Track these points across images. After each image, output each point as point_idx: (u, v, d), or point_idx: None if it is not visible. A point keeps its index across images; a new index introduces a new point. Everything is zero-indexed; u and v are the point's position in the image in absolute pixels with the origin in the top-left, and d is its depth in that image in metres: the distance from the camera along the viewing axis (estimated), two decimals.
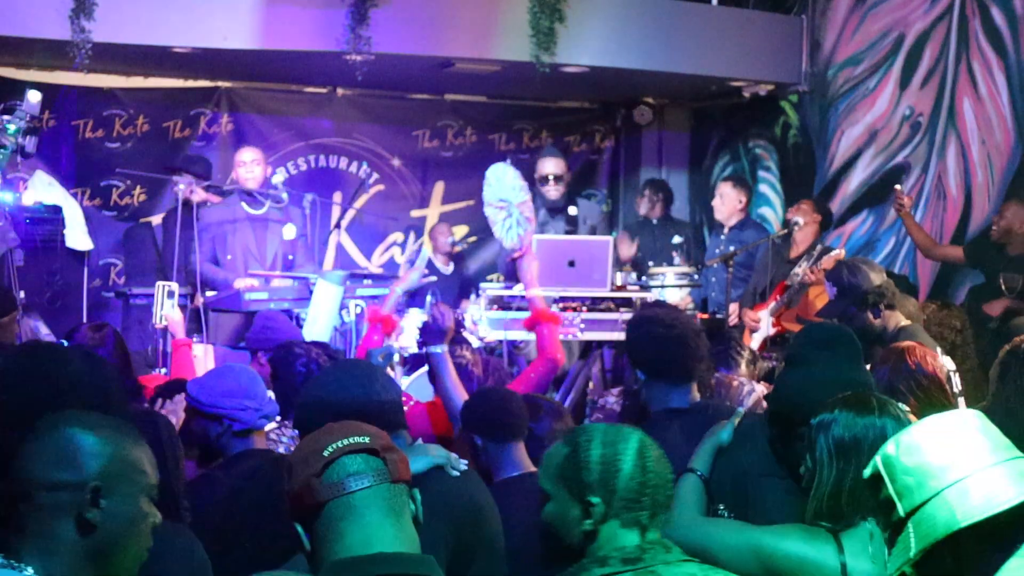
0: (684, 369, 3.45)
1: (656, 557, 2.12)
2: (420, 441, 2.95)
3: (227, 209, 6.91)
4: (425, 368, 5.05)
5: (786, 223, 7.30)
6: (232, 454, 3.26)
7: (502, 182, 5.42)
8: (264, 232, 6.87)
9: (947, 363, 4.41)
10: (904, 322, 4.70)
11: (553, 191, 7.19)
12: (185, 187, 6.59)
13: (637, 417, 3.57)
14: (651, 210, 8.71)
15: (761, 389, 4.06)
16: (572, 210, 7.28)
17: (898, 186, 7.03)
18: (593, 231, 7.42)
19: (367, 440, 1.97)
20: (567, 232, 7.09)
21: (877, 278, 4.71)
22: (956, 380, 4.35)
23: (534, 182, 7.28)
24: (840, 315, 4.66)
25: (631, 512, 2.16)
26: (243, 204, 6.89)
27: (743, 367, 4.55)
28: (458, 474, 2.84)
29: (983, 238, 7.02)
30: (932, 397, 3.50)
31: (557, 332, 4.73)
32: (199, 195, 7.03)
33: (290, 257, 6.99)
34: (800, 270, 6.75)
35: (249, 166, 6.90)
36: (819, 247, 6.93)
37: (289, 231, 6.96)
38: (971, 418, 1.94)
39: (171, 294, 5.56)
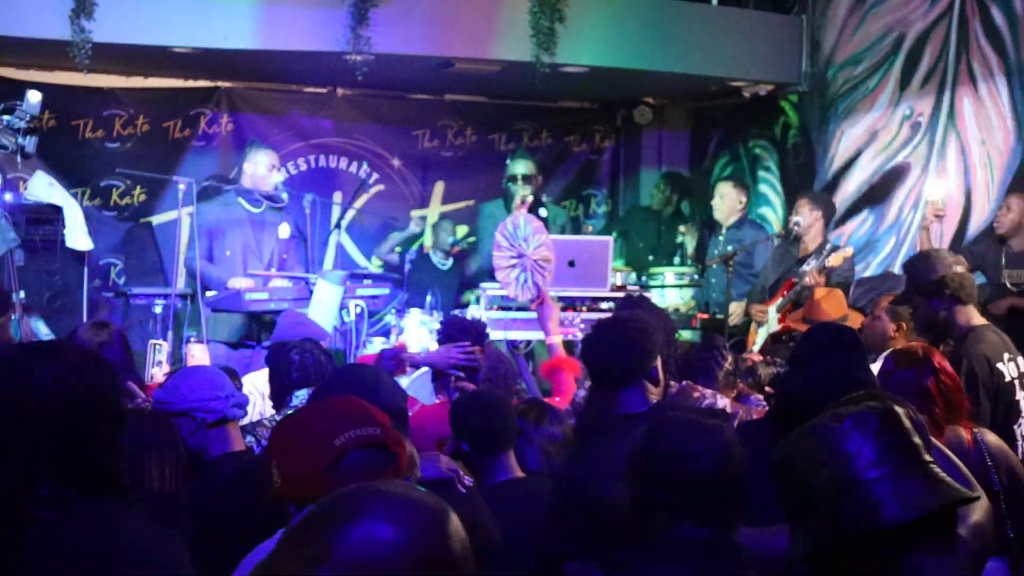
0: (622, 372, 3.32)
1: None
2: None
3: (225, 207, 6.91)
4: (425, 368, 5.04)
5: (787, 225, 7.30)
6: (210, 457, 3.21)
7: (516, 235, 5.36)
8: (262, 231, 6.88)
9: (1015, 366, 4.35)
10: (978, 320, 4.52)
11: (522, 189, 7.22)
12: (185, 187, 6.58)
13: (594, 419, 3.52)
14: (665, 205, 8.74)
15: (725, 403, 3.98)
16: (542, 212, 7.30)
17: (938, 201, 6.70)
18: (563, 231, 7.44)
19: (379, 432, 1.95)
20: None
21: (946, 269, 4.56)
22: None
23: (509, 180, 7.35)
24: (908, 303, 4.58)
25: None
26: (241, 201, 6.89)
27: (720, 377, 4.44)
28: (464, 491, 2.82)
29: (983, 237, 6.98)
30: (953, 399, 3.44)
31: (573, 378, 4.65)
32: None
33: (284, 256, 7.00)
34: (808, 268, 6.73)
35: (273, 170, 6.92)
36: (828, 246, 6.93)
37: (284, 230, 6.97)
38: None
39: (160, 350, 5.57)
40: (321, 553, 1.19)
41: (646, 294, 6.85)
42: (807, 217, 7.13)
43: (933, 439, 3.11)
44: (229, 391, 3.27)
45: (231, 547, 2.92)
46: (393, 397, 2.80)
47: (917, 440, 1.81)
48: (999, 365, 4.36)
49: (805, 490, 1.77)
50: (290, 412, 3.88)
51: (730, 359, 4.49)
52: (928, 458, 1.79)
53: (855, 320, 5.65)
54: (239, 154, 8.15)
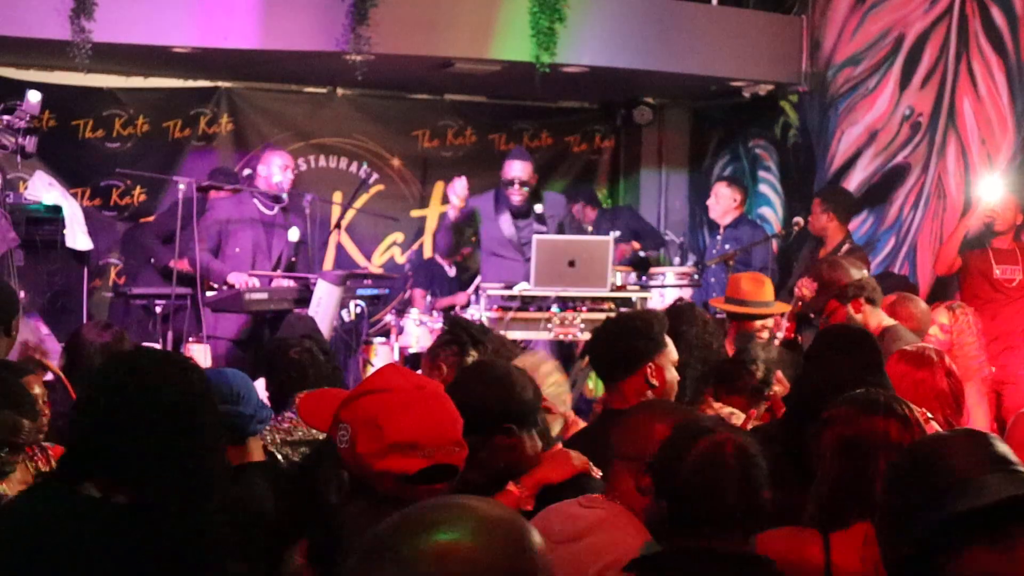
0: (608, 367, 3.45)
1: None
2: (560, 446, 2.92)
3: (239, 206, 6.95)
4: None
5: (787, 224, 7.32)
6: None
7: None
8: (272, 233, 6.91)
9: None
10: (888, 322, 4.65)
11: (517, 196, 7.17)
12: (185, 187, 6.59)
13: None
14: (585, 218, 8.63)
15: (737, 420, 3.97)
16: (539, 207, 7.26)
17: (992, 203, 6.73)
18: (561, 226, 7.39)
19: (457, 451, 2.01)
20: (538, 232, 7.08)
21: (857, 272, 4.68)
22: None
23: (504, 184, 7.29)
24: (821, 310, 4.65)
25: None
26: (256, 203, 6.93)
27: (748, 391, 4.41)
28: (600, 476, 2.82)
29: (963, 236, 7.03)
30: (961, 400, 3.46)
31: None
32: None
33: (292, 259, 7.05)
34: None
35: (287, 172, 7.01)
36: (846, 246, 6.93)
37: (294, 233, 7.01)
38: None
39: None
40: (402, 567, 1.21)
41: (646, 294, 6.85)
42: (820, 219, 7.13)
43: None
44: (256, 405, 3.20)
45: (253, 560, 2.91)
46: (527, 390, 2.80)
47: (1009, 452, 1.84)
48: None
49: (917, 491, 1.79)
50: (292, 412, 3.85)
51: (761, 370, 4.31)
52: (1020, 465, 1.81)
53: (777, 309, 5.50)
54: (239, 154, 8.16)
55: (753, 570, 2.15)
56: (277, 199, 6.97)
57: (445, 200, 9.23)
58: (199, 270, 6.47)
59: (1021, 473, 1.76)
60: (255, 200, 6.97)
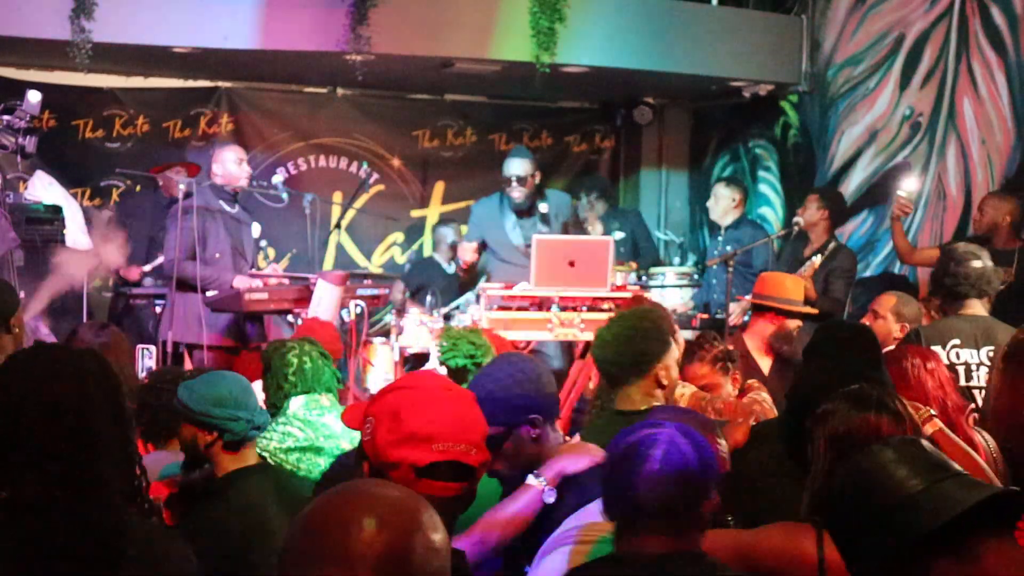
0: (619, 369, 3.36)
1: None
2: (578, 438, 2.93)
3: (206, 206, 6.72)
4: (428, 366, 5.04)
5: (787, 224, 7.31)
6: (223, 471, 3.17)
7: None
8: (240, 230, 6.78)
9: (968, 356, 4.44)
10: (972, 311, 4.61)
11: (516, 192, 7.18)
12: (184, 185, 6.55)
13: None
14: (590, 211, 8.62)
15: (686, 391, 4.02)
16: (543, 207, 7.27)
17: (903, 194, 6.81)
18: (565, 227, 7.40)
19: (472, 452, 2.05)
20: (541, 231, 7.08)
21: (958, 266, 4.65)
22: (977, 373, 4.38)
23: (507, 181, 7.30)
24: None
25: None
26: (221, 202, 6.74)
27: (708, 359, 4.49)
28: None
29: (963, 236, 7.01)
30: (957, 398, 3.50)
31: None
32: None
33: (259, 256, 6.99)
34: (807, 268, 6.71)
35: (243, 165, 6.83)
36: (832, 244, 6.93)
37: (256, 229, 6.94)
38: None
39: (149, 355, 5.55)
40: (317, 545, 1.38)
41: (647, 294, 6.84)
42: (813, 214, 7.13)
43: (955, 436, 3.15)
44: (252, 412, 3.18)
45: (249, 567, 2.90)
46: (552, 385, 2.84)
47: (944, 457, 1.85)
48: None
49: (865, 510, 1.80)
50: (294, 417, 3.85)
51: (720, 346, 4.50)
52: (958, 467, 1.82)
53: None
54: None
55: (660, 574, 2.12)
56: (275, 199, 6.93)
57: (445, 201, 9.26)
58: (185, 278, 6.39)
59: (966, 476, 1.76)
60: (220, 201, 6.78)
